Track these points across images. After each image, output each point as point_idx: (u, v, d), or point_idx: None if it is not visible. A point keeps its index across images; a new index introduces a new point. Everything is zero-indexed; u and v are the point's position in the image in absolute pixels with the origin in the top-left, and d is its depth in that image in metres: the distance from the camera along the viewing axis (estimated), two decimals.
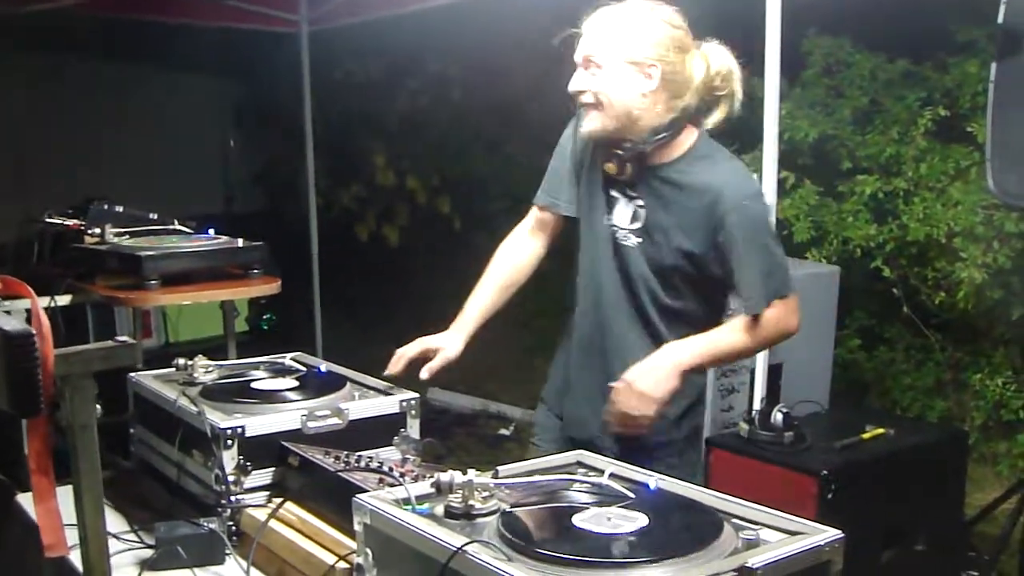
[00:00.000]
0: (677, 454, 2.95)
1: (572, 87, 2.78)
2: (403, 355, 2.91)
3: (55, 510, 1.54)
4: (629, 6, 2.74)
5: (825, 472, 3.80)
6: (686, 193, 2.76)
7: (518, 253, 3.15)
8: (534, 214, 3.14)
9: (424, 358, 2.93)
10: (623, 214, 2.87)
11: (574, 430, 2.98)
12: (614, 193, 2.88)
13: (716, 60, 2.76)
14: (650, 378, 2.67)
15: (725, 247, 2.72)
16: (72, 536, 1.67)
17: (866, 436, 4.14)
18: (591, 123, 2.78)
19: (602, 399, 2.75)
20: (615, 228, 2.88)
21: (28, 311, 1.68)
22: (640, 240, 2.84)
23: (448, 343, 2.97)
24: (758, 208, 2.76)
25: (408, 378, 2.91)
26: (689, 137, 2.80)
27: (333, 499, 2.22)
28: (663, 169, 2.79)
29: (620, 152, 2.78)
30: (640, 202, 2.83)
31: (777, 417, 4.08)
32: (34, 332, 1.38)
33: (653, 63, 2.69)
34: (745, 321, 2.76)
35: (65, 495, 1.67)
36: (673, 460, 2.90)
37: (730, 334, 2.78)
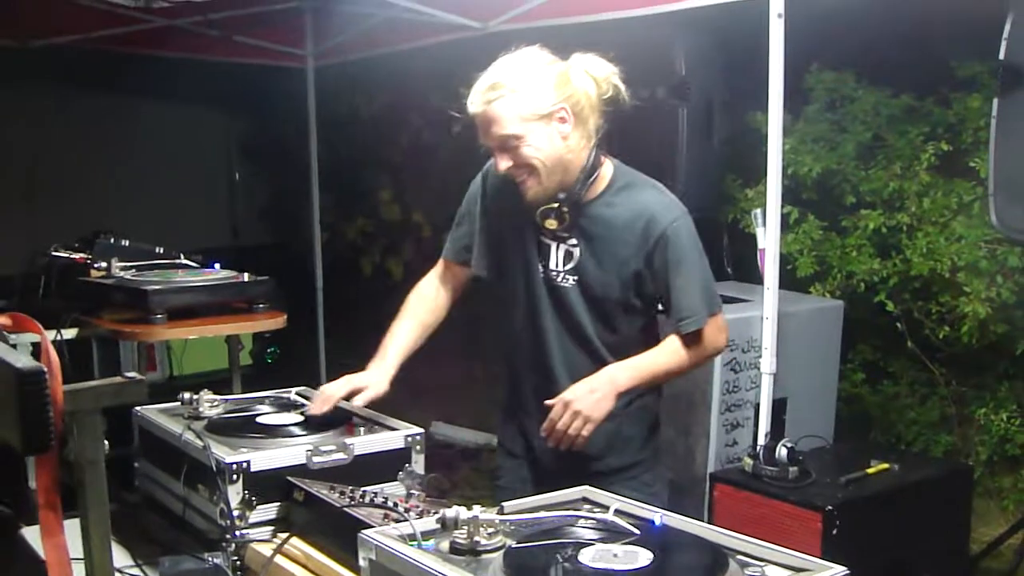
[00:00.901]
0: (650, 470, 3.05)
1: (502, 170, 2.79)
2: (331, 395, 2.89)
3: (63, 545, 1.54)
4: (504, 69, 2.74)
5: (830, 507, 3.80)
6: (618, 225, 2.83)
7: (433, 297, 3.19)
8: (442, 266, 3.19)
9: (351, 397, 2.92)
10: (556, 258, 2.91)
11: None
12: (545, 240, 2.92)
13: (596, 69, 2.79)
14: (588, 399, 2.73)
15: (662, 269, 2.80)
16: (79, 571, 1.67)
17: (871, 471, 4.14)
18: (533, 193, 2.80)
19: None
20: (551, 273, 2.92)
21: (33, 344, 1.69)
22: (576, 279, 2.89)
23: (374, 380, 2.96)
24: (688, 226, 2.83)
25: (413, 413, 2.92)
26: (607, 169, 2.86)
27: (338, 534, 2.22)
28: (590, 207, 2.85)
29: (556, 205, 2.81)
30: (573, 242, 2.88)
31: (782, 452, 4.08)
32: (45, 369, 1.40)
33: (559, 105, 2.72)
34: (681, 340, 2.84)
35: (71, 529, 1.68)
36: (647, 477, 3.02)
37: (667, 355, 2.85)
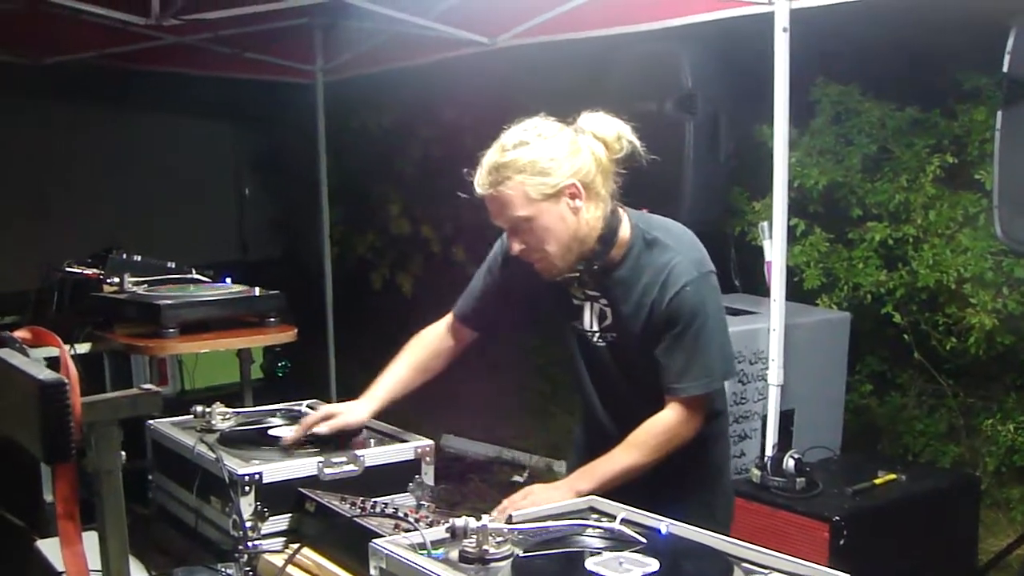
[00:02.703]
0: (711, 492, 3.01)
1: (515, 253, 2.72)
2: (304, 423, 2.85)
3: (81, 554, 1.57)
4: (508, 147, 2.64)
5: (837, 518, 3.82)
6: (639, 289, 2.75)
7: (437, 344, 3.12)
8: (451, 319, 3.13)
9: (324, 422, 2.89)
10: (590, 318, 2.88)
11: None
12: (576, 300, 2.88)
13: (604, 129, 2.70)
14: (548, 493, 2.64)
15: (670, 333, 2.72)
16: None
17: (878, 482, 4.16)
18: (549, 274, 2.75)
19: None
20: (586, 333, 2.90)
21: (47, 359, 1.72)
22: (612, 336, 2.85)
23: (352, 411, 2.92)
24: (698, 289, 2.71)
25: (424, 425, 2.95)
26: (625, 228, 2.77)
27: (349, 544, 2.24)
28: (616, 270, 2.78)
29: (578, 274, 2.77)
30: (604, 301, 2.83)
31: (789, 463, 4.10)
32: (67, 381, 1.43)
33: (568, 181, 2.63)
34: (648, 432, 2.74)
35: (86, 541, 1.70)
36: (707, 497, 2.97)
37: (626, 454, 2.73)
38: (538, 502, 2.57)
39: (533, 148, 2.62)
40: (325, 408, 2.94)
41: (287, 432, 2.86)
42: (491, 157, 2.66)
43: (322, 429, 2.83)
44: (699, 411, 2.77)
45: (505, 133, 2.69)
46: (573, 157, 2.64)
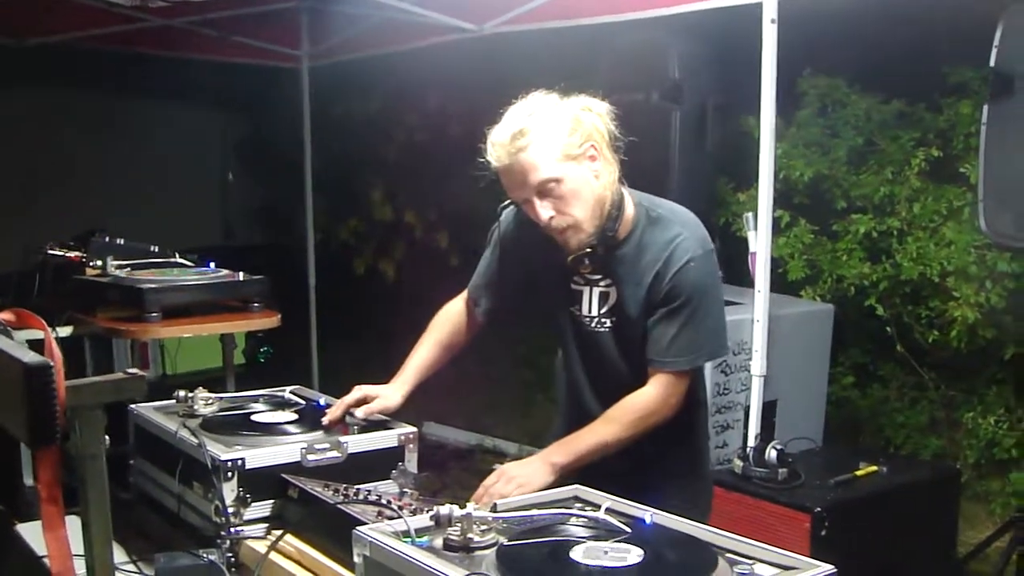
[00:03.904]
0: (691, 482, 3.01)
1: (544, 218, 2.66)
2: (342, 402, 2.87)
3: (64, 538, 1.56)
4: (523, 116, 2.65)
5: (819, 509, 3.83)
6: (643, 266, 2.75)
7: (458, 320, 3.12)
8: (466, 295, 3.13)
9: (362, 404, 2.90)
10: (589, 303, 2.87)
11: None
12: (576, 286, 2.87)
13: (598, 107, 2.73)
14: (522, 469, 2.66)
15: (667, 308, 2.72)
16: (78, 566, 1.69)
17: (860, 473, 4.17)
18: (576, 242, 2.71)
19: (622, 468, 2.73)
20: (583, 319, 2.88)
21: (28, 342, 1.71)
22: (612, 321, 2.84)
23: (387, 393, 2.93)
24: (700, 267, 2.72)
25: (406, 412, 2.94)
26: (628, 204, 2.77)
27: (332, 531, 2.24)
28: (619, 248, 2.77)
29: (590, 250, 2.74)
30: (607, 282, 2.82)
31: (771, 454, 4.11)
32: (52, 364, 1.42)
33: (585, 142, 2.65)
34: (627, 408, 2.74)
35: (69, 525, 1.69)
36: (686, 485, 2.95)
37: (604, 428, 2.74)
38: (515, 479, 2.60)
39: (547, 114, 2.64)
40: (362, 390, 2.91)
41: (328, 416, 2.85)
42: (506, 127, 2.65)
43: (358, 414, 2.85)
44: (680, 387, 2.76)
45: (512, 107, 2.69)
46: (581, 124, 2.66)
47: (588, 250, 2.73)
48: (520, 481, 2.60)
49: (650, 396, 2.75)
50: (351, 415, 2.86)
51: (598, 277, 2.83)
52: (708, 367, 4.67)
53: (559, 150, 2.61)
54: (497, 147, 2.65)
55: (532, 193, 2.65)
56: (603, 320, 2.85)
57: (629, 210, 2.77)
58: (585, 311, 2.87)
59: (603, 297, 2.84)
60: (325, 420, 2.83)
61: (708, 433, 3.17)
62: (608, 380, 2.90)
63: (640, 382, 2.78)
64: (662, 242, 2.73)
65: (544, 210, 2.66)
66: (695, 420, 2.97)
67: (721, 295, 2.84)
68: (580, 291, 2.87)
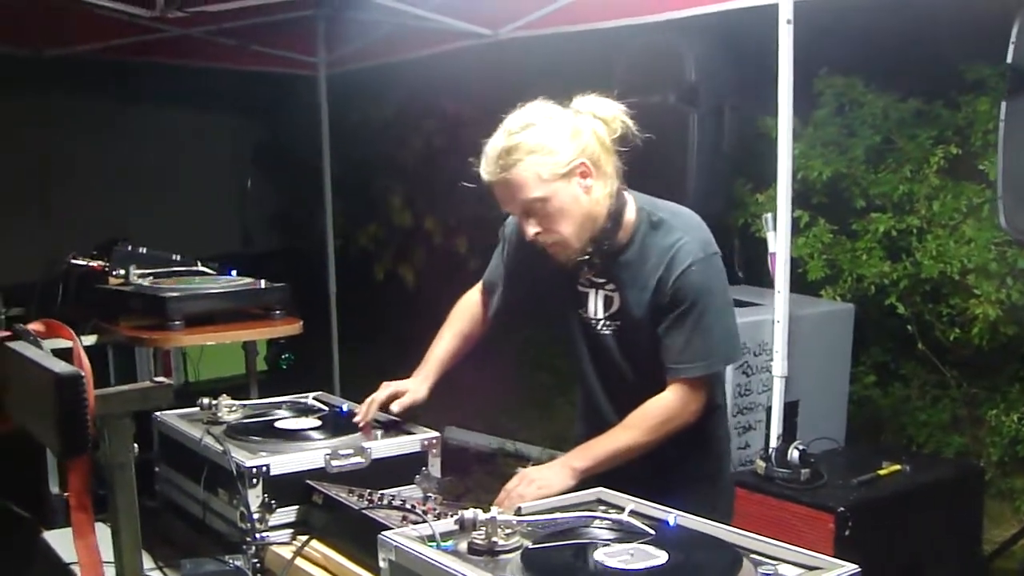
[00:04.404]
0: (713, 486, 3.00)
1: (530, 234, 2.68)
2: (373, 400, 2.89)
3: (94, 546, 1.58)
4: (514, 130, 2.64)
5: (842, 509, 3.82)
6: (646, 271, 2.74)
7: (475, 311, 3.14)
8: (480, 288, 3.16)
9: (392, 401, 2.92)
10: (595, 305, 2.87)
11: None
12: (582, 288, 2.88)
13: (603, 110, 2.71)
14: (543, 472, 2.68)
15: (673, 314, 2.71)
16: (108, 573, 1.71)
17: (883, 472, 4.16)
18: (564, 257, 2.73)
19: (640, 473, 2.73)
20: (589, 321, 2.89)
21: (54, 350, 1.73)
22: (617, 324, 2.84)
23: (414, 387, 2.96)
24: (703, 271, 2.70)
25: (427, 417, 2.95)
26: (631, 210, 2.76)
27: (358, 536, 2.25)
28: (622, 253, 2.77)
29: (588, 257, 2.75)
30: (611, 287, 2.83)
31: (794, 454, 4.10)
32: (83, 374, 1.44)
33: (579, 160, 2.63)
34: (648, 414, 2.74)
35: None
36: (707, 489, 2.95)
37: (626, 434, 2.75)
38: (536, 481, 2.62)
39: (540, 129, 2.63)
40: (390, 386, 2.93)
41: (359, 416, 2.87)
42: (497, 142, 2.65)
43: (395, 409, 2.88)
44: (699, 393, 2.76)
45: (508, 118, 2.69)
46: (578, 137, 2.65)
47: (586, 257, 2.75)
48: (540, 484, 2.62)
49: (669, 402, 2.74)
50: (386, 411, 2.88)
51: (603, 280, 2.84)
52: (728, 369, 4.70)
53: (547, 169, 2.61)
54: (488, 162, 2.66)
55: (519, 210, 2.68)
56: (608, 323, 2.86)
57: (630, 215, 2.76)
58: (591, 313, 2.88)
59: (608, 300, 2.85)
60: (359, 420, 2.85)
61: (729, 436, 3.15)
62: (617, 382, 2.91)
63: (646, 385, 2.78)
64: (663, 247, 2.72)
65: (530, 227, 2.68)
66: (713, 424, 2.96)
67: (728, 298, 2.82)
68: (586, 293, 2.88)
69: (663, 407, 2.74)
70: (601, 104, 2.72)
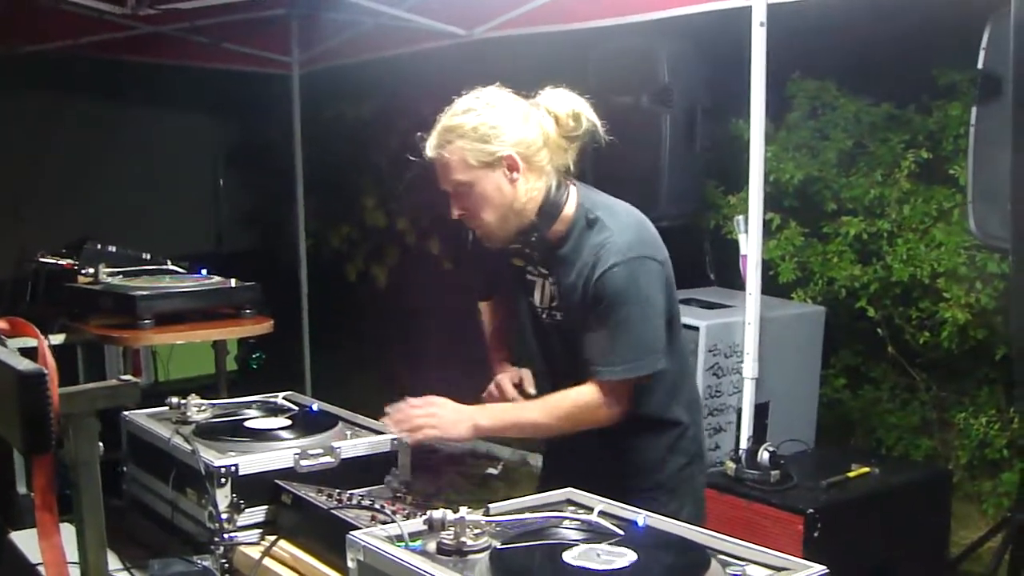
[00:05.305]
0: (668, 492, 2.96)
1: (454, 215, 2.77)
2: (506, 380, 3.01)
3: (59, 546, 1.57)
4: (458, 113, 2.71)
5: (811, 510, 3.84)
6: (576, 269, 2.75)
7: (488, 309, 3.26)
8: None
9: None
10: (541, 294, 2.91)
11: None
12: (530, 276, 2.92)
13: (561, 106, 2.73)
14: (450, 416, 2.71)
15: (595, 312, 2.71)
16: (73, 573, 1.70)
17: (852, 475, 4.19)
18: (486, 239, 2.81)
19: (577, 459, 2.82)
20: (536, 309, 2.93)
21: (21, 349, 1.71)
22: (556, 317, 2.89)
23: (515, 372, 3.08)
24: (627, 273, 2.67)
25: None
26: (571, 207, 2.77)
27: (326, 536, 2.25)
28: (559, 247, 2.79)
29: (519, 245, 2.81)
30: (552, 279, 2.86)
31: (763, 456, 4.12)
32: (47, 372, 1.42)
33: (507, 151, 2.66)
34: (566, 402, 2.76)
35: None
36: (664, 499, 2.91)
37: (540, 411, 2.79)
38: (439, 428, 2.68)
39: (478, 115, 2.68)
40: (508, 374, 3.04)
41: (271, 421, 2.88)
42: (442, 120, 2.73)
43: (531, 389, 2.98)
44: (620, 397, 2.73)
45: (462, 99, 2.74)
46: (518, 128, 2.68)
47: (518, 246, 2.81)
48: (438, 423, 2.68)
49: (583, 397, 2.74)
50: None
51: (546, 272, 2.87)
52: (700, 369, 4.72)
53: (473, 156, 2.67)
54: (431, 137, 2.74)
55: (449, 188, 2.75)
56: (551, 313, 2.90)
57: (569, 211, 2.78)
58: (537, 301, 2.92)
59: (550, 292, 2.88)
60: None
61: (699, 455, 3.06)
62: (560, 370, 2.94)
63: (585, 376, 2.78)
64: (592, 245, 2.73)
65: (455, 208, 2.76)
66: (670, 442, 2.95)
67: (654, 304, 2.73)
68: (534, 282, 2.92)
69: (576, 400, 2.74)
70: (558, 99, 2.74)
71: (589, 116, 2.74)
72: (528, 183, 2.71)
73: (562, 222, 2.77)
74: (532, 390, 2.97)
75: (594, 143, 2.77)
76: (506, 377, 3.02)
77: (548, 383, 3.00)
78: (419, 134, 2.77)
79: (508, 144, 2.66)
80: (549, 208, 2.74)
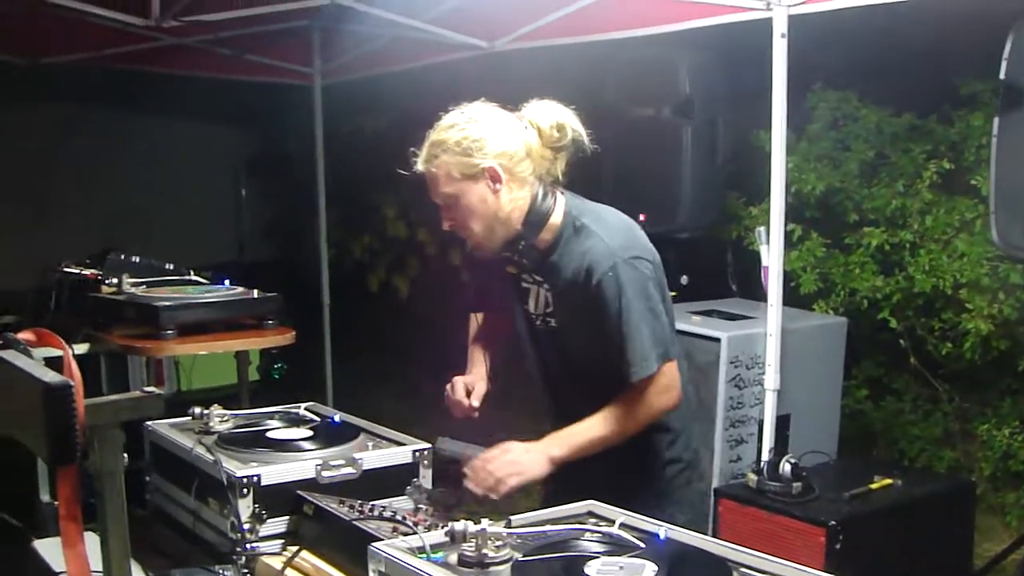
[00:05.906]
0: (662, 499, 2.99)
1: (444, 226, 2.87)
2: (461, 385, 3.07)
3: (83, 555, 1.58)
4: (444, 128, 2.80)
5: (833, 522, 3.82)
6: (567, 277, 2.82)
7: (475, 320, 3.29)
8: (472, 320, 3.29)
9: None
10: (537, 302, 2.96)
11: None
12: (525, 284, 2.97)
13: (544, 118, 2.80)
14: (523, 457, 2.78)
15: (609, 318, 2.75)
16: None
17: (874, 486, 4.16)
18: (479, 252, 2.89)
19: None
20: (532, 316, 2.98)
21: (45, 359, 1.73)
22: (551, 323, 2.93)
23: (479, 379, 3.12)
24: (625, 273, 2.75)
25: (419, 428, 2.96)
26: (557, 215, 2.84)
27: (348, 547, 2.25)
28: (549, 255, 2.85)
29: (508, 254, 2.87)
30: (547, 286, 2.91)
31: (785, 467, 4.10)
32: (72, 383, 1.44)
33: (489, 163, 2.74)
34: (627, 396, 2.79)
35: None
36: (658, 505, 2.91)
37: (603, 424, 2.80)
38: (514, 471, 2.74)
39: (461, 129, 2.77)
40: (465, 377, 3.10)
41: (293, 431, 2.89)
42: (432, 137, 2.82)
43: (475, 403, 3.05)
44: (663, 381, 2.79)
45: (448, 115, 2.83)
46: (500, 140, 2.76)
47: (508, 254, 2.86)
48: (518, 470, 2.74)
49: (641, 392, 2.78)
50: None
51: (540, 279, 2.92)
52: (721, 380, 4.72)
53: (457, 169, 2.76)
54: (422, 151, 2.84)
55: (439, 201, 2.84)
56: (545, 320, 2.95)
57: (556, 219, 2.84)
58: (532, 308, 2.97)
59: (544, 300, 2.93)
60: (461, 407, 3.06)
61: (688, 465, 3.09)
62: (554, 375, 3.01)
63: (581, 382, 2.91)
64: (579, 252, 2.80)
65: (445, 220, 2.86)
66: (662, 447, 3.00)
67: (649, 300, 2.79)
68: (528, 289, 2.97)
69: (637, 398, 2.79)
70: (541, 110, 2.82)
71: (574, 126, 2.81)
72: (512, 193, 2.79)
73: (549, 230, 2.84)
74: (476, 403, 3.05)
75: (580, 153, 2.83)
76: (460, 380, 3.08)
77: (544, 388, 3.07)
78: (412, 149, 2.87)
79: (490, 156, 2.74)
80: (535, 217, 2.82)
